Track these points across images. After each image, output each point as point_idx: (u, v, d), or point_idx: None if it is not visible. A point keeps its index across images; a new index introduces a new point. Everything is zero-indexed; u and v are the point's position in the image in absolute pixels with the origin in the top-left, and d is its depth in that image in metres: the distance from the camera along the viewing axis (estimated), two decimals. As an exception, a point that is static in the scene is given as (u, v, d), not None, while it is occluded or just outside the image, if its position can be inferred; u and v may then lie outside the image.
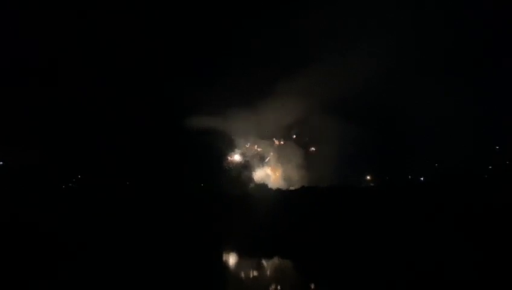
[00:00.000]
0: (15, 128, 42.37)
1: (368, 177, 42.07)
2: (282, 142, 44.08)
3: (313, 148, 43.06)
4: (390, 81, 38.33)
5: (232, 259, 25.91)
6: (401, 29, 37.51)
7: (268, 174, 43.20)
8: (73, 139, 44.64)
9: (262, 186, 39.27)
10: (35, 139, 43.31)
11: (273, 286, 20.32)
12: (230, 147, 43.80)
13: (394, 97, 38.91)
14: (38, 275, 19.93)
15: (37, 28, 42.48)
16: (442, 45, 40.25)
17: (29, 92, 43.74)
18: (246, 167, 43.49)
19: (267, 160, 43.77)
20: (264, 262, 24.08)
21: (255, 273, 22.03)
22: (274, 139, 44.22)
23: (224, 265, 24.10)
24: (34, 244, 26.32)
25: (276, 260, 24.55)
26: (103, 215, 34.72)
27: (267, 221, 30.08)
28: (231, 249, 27.30)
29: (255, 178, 42.90)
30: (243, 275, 21.95)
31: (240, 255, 26.11)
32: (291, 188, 39.32)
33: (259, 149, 44.31)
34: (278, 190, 37.96)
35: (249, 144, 44.23)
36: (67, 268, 21.41)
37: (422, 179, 40.60)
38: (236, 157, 44.08)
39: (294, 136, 43.96)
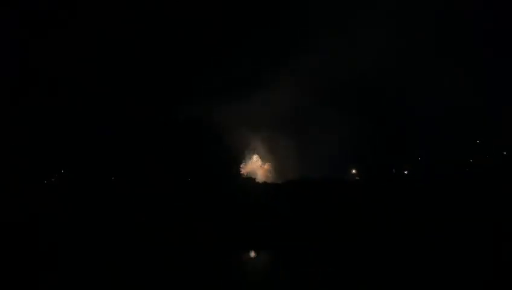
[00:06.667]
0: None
1: (354, 171, 42.58)
2: (271, 134, 43.76)
3: (303, 139, 42.86)
4: (379, 76, 38.73)
5: (225, 250, 25.87)
6: (396, 20, 37.64)
7: (258, 167, 43.06)
8: (56, 134, 43.66)
9: (250, 180, 39.13)
10: (16, 133, 42.26)
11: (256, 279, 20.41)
12: (220, 138, 43.41)
13: (382, 92, 39.61)
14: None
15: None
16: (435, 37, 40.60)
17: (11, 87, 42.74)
18: (234, 159, 43.24)
19: (255, 152, 43.57)
20: (249, 255, 24.29)
21: (241, 266, 22.17)
22: (263, 130, 43.91)
23: (219, 256, 24.11)
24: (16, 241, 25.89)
25: (260, 253, 24.76)
26: (86, 210, 34.27)
27: (254, 215, 30.25)
28: (224, 240, 27.29)
29: (243, 171, 42.68)
30: (230, 267, 22.07)
31: (233, 246, 26.19)
32: (279, 181, 39.30)
33: (248, 141, 44.01)
34: (266, 184, 38.03)
35: (239, 135, 43.80)
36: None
37: (406, 172, 41.43)
38: (225, 149, 43.69)
39: (287, 127, 43.55)
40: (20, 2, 42.99)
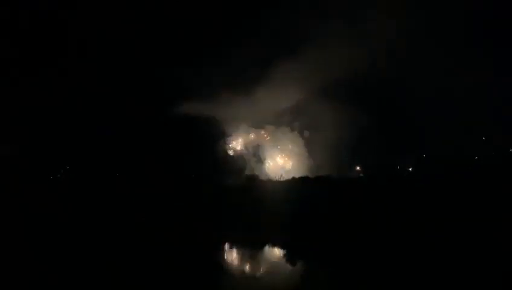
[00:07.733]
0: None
1: (358, 168, 42.52)
2: (277, 129, 43.50)
3: (307, 136, 42.59)
4: (382, 70, 38.64)
5: (226, 250, 26.03)
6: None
7: (259, 166, 42.95)
8: (60, 130, 43.97)
9: (252, 179, 39.04)
10: (22, 129, 42.67)
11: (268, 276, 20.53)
12: (222, 135, 43.40)
13: (385, 87, 39.62)
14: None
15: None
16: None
17: (12, 81, 42.99)
18: (238, 156, 43.17)
19: (257, 150, 43.44)
20: (257, 252, 24.47)
21: (251, 263, 22.33)
22: (268, 126, 43.70)
23: (220, 256, 24.26)
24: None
25: (268, 251, 24.91)
26: (91, 207, 34.53)
27: (254, 214, 30.35)
28: (225, 240, 27.44)
29: (248, 168, 42.57)
30: (240, 265, 22.26)
31: (235, 246, 26.34)
32: (283, 178, 39.13)
33: (252, 137, 43.80)
34: (267, 182, 37.96)
35: (241, 132, 43.62)
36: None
37: (410, 169, 41.34)
38: (228, 146, 43.67)
39: (290, 123, 43.29)
40: (20, 2, 43.07)
